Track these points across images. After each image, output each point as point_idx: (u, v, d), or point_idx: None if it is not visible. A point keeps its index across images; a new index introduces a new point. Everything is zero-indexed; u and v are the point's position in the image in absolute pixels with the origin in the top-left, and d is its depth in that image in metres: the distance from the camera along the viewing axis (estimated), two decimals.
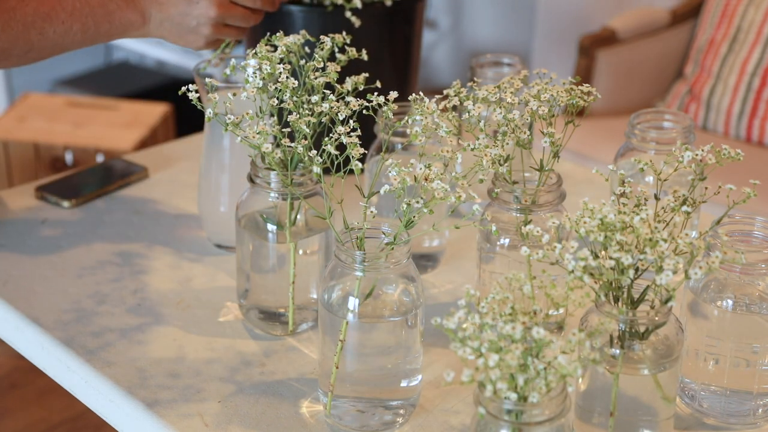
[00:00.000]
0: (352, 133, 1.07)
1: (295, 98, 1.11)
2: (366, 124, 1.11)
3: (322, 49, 1.19)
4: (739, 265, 1.01)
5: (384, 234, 1.05)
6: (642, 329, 0.99)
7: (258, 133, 1.09)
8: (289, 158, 1.14)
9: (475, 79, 1.22)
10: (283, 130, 1.12)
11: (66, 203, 1.51)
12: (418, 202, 1.01)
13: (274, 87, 1.13)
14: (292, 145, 1.09)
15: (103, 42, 1.34)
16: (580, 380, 1.03)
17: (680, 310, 1.11)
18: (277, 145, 1.14)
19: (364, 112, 1.09)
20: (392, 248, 1.04)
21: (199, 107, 1.15)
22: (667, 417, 1.03)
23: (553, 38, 3.18)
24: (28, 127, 3.09)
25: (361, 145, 1.06)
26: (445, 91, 1.15)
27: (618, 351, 0.99)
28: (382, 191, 1.02)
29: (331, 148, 1.06)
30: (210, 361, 1.19)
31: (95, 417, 1.24)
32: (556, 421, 0.89)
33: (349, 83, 1.14)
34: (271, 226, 1.19)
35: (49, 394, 2.48)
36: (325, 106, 1.09)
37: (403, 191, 1.01)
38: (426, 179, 1.00)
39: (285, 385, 1.15)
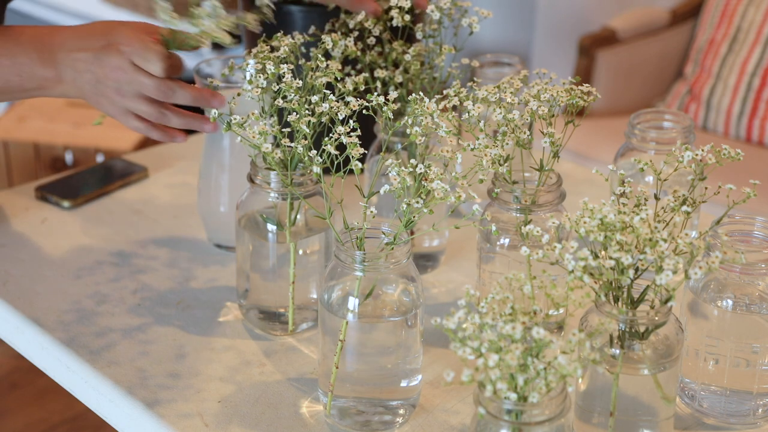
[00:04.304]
0: (352, 133, 1.07)
1: (297, 98, 1.11)
2: (366, 124, 1.11)
3: (326, 49, 1.19)
4: (739, 265, 1.01)
5: (384, 234, 1.05)
6: (642, 329, 0.99)
7: (259, 134, 1.09)
8: (289, 158, 1.14)
9: (475, 79, 1.22)
10: (283, 130, 1.12)
11: (66, 203, 1.51)
12: (418, 202, 1.01)
13: (277, 87, 1.13)
14: (292, 145, 1.09)
15: (21, 98, 1.23)
16: (580, 380, 1.03)
17: (680, 310, 1.11)
18: (277, 145, 1.14)
19: (364, 112, 1.09)
20: (392, 248, 1.04)
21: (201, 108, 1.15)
22: (667, 417, 1.03)
23: (553, 38, 3.18)
24: (28, 127, 3.09)
25: (361, 145, 1.06)
26: (445, 91, 1.15)
27: (618, 351, 0.99)
28: (382, 191, 1.02)
29: (331, 148, 1.06)
30: (210, 361, 1.19)
31: (95, 417, 1.24)
32: (556, 421, 0.89)
33: (349, 83, 1.14)
34: (271, 226, 1.19)
35: (49, 394, 2.48)
36: (325, 106, 1.09)
37: (403, 191, 1.01)
38: (426, 179, 1.00)
39: (285, 385, 1.15)
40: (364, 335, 1.07)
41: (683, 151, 1.05)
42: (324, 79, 1.13)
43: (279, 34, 1.20)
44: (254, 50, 1.17)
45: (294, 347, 1.22)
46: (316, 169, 1.07)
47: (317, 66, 1.16)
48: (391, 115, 1.09)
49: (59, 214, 1.50)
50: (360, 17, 1.30)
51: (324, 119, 1.10)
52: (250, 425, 1.09)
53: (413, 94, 1.08)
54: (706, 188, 1.08)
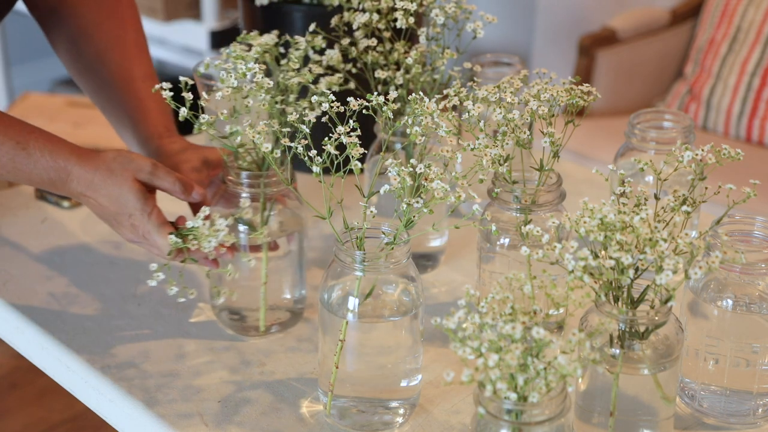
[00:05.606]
0: (351, 133, 1.06)
1: (269, 98, 1.12)
2: (366, 124, 1.11)
3: (307, 52, 1.19)
4: (739, 265, 1.01)
5: (384, 234, 1.05)
6: (642, 329, 0.99)
7: (230, 133, 1.10)
8: (272, 158, 1.14)
9: (475, 79, 1.22)
10: (266, 129, 1.12)
11: (66, 203, 1.51)
12: (417, 202, 1.01)
13: (248, 87, 1.13)
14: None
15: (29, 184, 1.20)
16: (580, 380, 1.03)
17: (680, 310, 1.11)
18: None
19: (364, 112, 1.09)
20: (392, 248, 1.04)
21: (173, 106, 1.16)
22: (667, 417, 1.03)
23: (553, 38, 3.18)
24: None
25: (361, 145, 1.06)
26: (445, 91, 1.15)
27: (618, 351, 0.99)
28: (382, 191, 1.02)
29: (331, 148, 1.06)
30: (210, 361, 1.19)
31: (95, 417, 1.24)
32: (556, 421, 0.89)
33: (323, 84, 1.16)
34: (242, 227, 1.19)
35: (49, 394, 2.48)
36: (325, 106, 1.09)
37: (403, 191, 1.01)
38: (426, 179, 1.00)
39: (285, 385, 1.15)
40: (364, 335, 1.07)
41: (683, 151, 1.05)
42: (296, 80, 1.13)
43: (253, 33, 1.20)
44: (225, 50, 1.17)
45: (294, 347, 1.22)
46: (316, 169, 1.07)
47: (290, 68, 1.17)
48: (390, 115, 1.09)
49: (59, 213, 1.50)
50: (363, 18, 1.29)
51: (324, 119, 1.10)
52: (250, 425, 1.09)
53: (413, 94, 1.08)
54: (706, 188, 1.08)
